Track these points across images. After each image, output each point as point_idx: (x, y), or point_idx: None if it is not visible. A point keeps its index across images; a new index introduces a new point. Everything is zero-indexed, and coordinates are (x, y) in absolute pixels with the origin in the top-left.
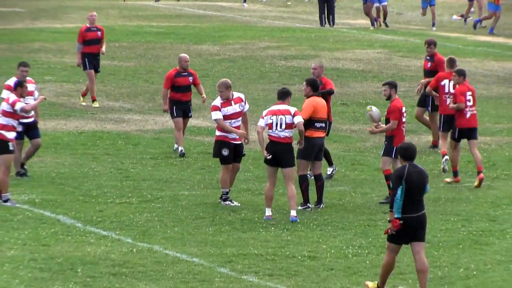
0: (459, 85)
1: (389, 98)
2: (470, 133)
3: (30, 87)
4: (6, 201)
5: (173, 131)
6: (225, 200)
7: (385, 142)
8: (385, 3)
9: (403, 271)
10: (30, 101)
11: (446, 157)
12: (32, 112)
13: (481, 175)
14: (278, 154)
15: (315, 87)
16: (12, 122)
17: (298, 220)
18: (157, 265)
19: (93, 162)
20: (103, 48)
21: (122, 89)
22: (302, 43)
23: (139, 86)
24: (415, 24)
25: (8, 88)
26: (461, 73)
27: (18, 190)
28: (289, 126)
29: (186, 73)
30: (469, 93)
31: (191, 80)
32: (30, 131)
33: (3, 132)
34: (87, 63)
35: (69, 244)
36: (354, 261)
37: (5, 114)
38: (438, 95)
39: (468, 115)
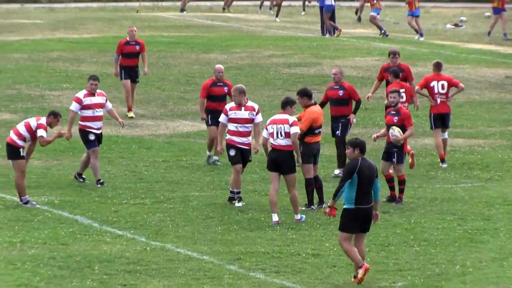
0: (391, 84)
1: (396, 105)
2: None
3: (100, 99)
4: (26, 203)
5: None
6: (238, 200)
7: (394, 150)
8: (373, 14)
9: (402, 268)
10: (99, 113)
11: (445, 165)
12: (101, 123)
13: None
14: (280, 161)
15: (310, 95)
16: (27, 135)
17: (303, 220)
18: (170, 262)
19: (109, 165)
20: (145, 68)
21: (136, 95)
22: (305, 51)
23: (151, 93)
24: (411, 33)
25: (77, 100)
26: (393, 73)
27: (38, 192)
28: (288, 135)
29: (221, 83)
30: (401, 90)
31: (226, 91)
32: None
33: (16, 139)
34: (123, 74)
35: (86, 243)
36: None
37: (28, 127)
38: (427, 94)
39: None
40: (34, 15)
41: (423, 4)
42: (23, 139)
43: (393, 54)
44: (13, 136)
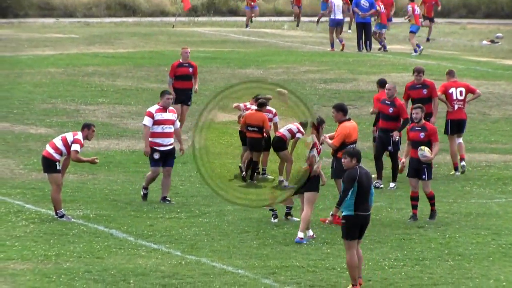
0: (378, 94)
1: (419, 121)
2: None
3: (172, 116)
4: (61, 216)
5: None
6: (274, 216)
7: (424, 166)
8: (383, 30)
9: (437, 282)
10: (170, 130)
11: (463, 163)
12: (172, 140)
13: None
14: None
15: (345, 110)
16: (63, 149)
17: (304, 242)
18: (205, 276)
19: (144, 180)
20: (196, 86)
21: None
22: (341, 67)
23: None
24: (447, 49)
25: (149, 114)
26: (379, 83)
27: (73, 206)
28: None
29: None
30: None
31: None
32: (166, 158)
33: (52, 152)
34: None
35: (121, 256)
36: (390, 272)
37: (64, 142)
38: (445, 100)
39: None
40: (69, 30)
41: (459, 20)
42: (60, 153)
43: (417, 72)
44: (49, 149)
